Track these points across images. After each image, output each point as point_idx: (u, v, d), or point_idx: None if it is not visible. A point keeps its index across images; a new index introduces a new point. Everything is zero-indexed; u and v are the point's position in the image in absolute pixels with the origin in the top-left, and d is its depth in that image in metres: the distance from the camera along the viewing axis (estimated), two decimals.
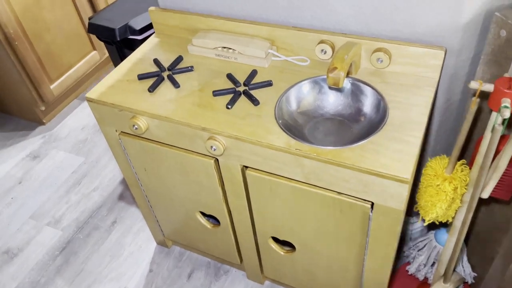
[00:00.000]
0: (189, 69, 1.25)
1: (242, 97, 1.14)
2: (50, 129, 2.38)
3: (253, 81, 1.18)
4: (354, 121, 1.11)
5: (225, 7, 1.31)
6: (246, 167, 1.12)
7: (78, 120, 2.41)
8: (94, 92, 1.22)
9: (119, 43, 1.55)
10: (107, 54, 2.61)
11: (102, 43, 2.55)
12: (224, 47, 1.27)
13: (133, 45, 1.56)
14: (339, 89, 1.14)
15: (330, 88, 1.14)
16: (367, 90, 1.10)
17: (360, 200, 1.01)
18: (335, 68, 1.02)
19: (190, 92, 1.18)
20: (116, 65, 1.68)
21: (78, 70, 2.45)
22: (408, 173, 0.89)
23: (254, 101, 1.11)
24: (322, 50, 1.18)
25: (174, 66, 1.28)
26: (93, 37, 2.49)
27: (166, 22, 1.39)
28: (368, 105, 1.10)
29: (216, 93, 1.16)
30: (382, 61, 1.12)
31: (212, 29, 1.33)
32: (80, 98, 2.56)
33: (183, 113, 1.12)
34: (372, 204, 0.99)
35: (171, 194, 1.38)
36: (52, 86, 2.31)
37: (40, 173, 2.12)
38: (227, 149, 1.08)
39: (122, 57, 1.61)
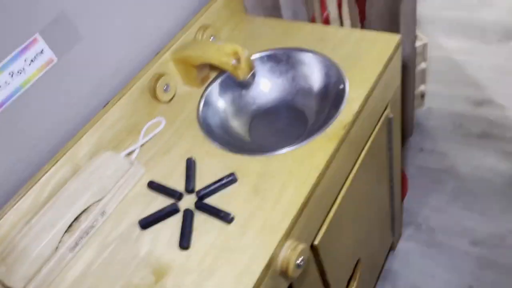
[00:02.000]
0: None
1: (198, 214, 0.66)
2: None
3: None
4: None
5: None
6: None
7: None
8: None
9: None
10: None
11: None
12: (72, 222, 0.66)
13: None
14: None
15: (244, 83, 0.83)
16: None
17: (382, 114, 0.87)
18: (236, 53, 0.74)
19: None
20: None
21: None
22: None
23: (221, 215, 0.67)
24: (164, 88, 0.81)
25: None
26: None
27: None
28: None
29: (145, 223, 0.62)
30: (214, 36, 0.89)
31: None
32: None
33: None
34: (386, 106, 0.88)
35: None
36: None
37: None
38: None
39: None
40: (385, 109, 0.87)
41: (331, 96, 0.79)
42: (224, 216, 0.63)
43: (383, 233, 1.16)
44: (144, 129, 0.81)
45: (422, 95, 1.62)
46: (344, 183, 0.78)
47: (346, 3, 1.04)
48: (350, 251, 0.90)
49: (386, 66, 0.79)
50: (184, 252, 0.62)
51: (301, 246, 0.61)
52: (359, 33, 0.85)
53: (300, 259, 0.61)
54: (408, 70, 1.40)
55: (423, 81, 1.56)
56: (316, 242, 0.72)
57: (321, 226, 0.73)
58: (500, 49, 1.85)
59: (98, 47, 0.75)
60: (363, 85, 0.76)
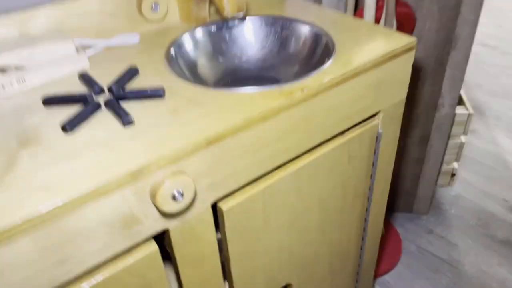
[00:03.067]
0: None
1: (104, 111, 0.59)
2: None
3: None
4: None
5: None
6: (215, 206, 0.61)
7: None
8: None
9: None
10: None
11: None
12: None
13: None
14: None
15: (232, 27, 0.76)
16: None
17: (367, 121, 0.75)
18: None
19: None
20: None
21: None
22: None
23: (121, 114, 0.58)
24: (152, 6, 0.77)
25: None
26: None
27: None
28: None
29: (48, 99, 0.55)
30: None
31: None
32: None
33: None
34: (375, 114, 0.76)
35: None
36: None
37: None
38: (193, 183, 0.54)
39: None
40: (372, 116, 0.76)
41: (310, 66, 0.70)
42: (123, 117, 0.55)
43: (340, 282, 0.99)
44: (116, 36, 0.76)
45: (453, 174, 1.44)
46: (288, 163, 0.66)
47: (383, 21, 0.96)
48: (274, 258, 0.76)
49: (384, 60, 0.68)
50: (63, 134, 0.54)
51: (186, 178, 0.51)
52: (374, 26, 0.76)
53: (179, 189, 0.50)
54: (441, 133, 1.26)
55: (457, 157, 1.40)
56: (224, 207, 0.60)
57: (235, 191, 0.62)
58: None
59: None
60: (346, 65, 0.66)
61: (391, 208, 1.49)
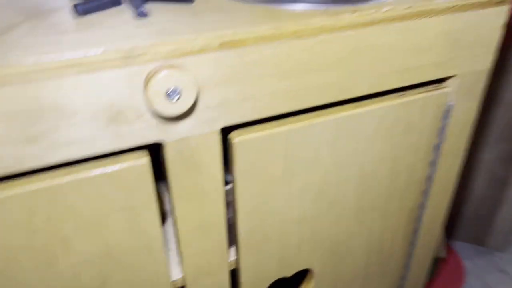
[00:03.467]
0: None
1: (124, 6, 0.53)
2: None
3: None
4: None
5: None
6: (224, 133, 0.52)
7: None
8: None
9: None
10: None
11: None
12: None
13: None
14: None
15: None
16: None
17: (435, 85, 0.62)
18: None
19: None
20: None
21: None
22: None
23: (136, 4, 0.52)
24: None
25: None
26: None
27: None
28: None
29: None
30: None
31: None
32: None
33: None
34: (447, 79, 0.62)
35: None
36: None
37: None
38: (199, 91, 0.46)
39: None
40: (443, 80, 0.62)
41: None
42: (138, 8, 0.48)
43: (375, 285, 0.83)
44: None
45: None
46: (324, 108, 0.56)
47: None
48: (294, 230, 0.64)
49: (465, 5, 0.55)
50: (73, 16, 0.49)
51: (188, 75, 0.43)
52: None
53: (176, 86, 0.42)
54: None
55: None
56: (235, 139, 0.51)
57: (252, 124, 0.52)
58: None
59: None
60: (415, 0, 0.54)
61: (457, 235, 1.28)
